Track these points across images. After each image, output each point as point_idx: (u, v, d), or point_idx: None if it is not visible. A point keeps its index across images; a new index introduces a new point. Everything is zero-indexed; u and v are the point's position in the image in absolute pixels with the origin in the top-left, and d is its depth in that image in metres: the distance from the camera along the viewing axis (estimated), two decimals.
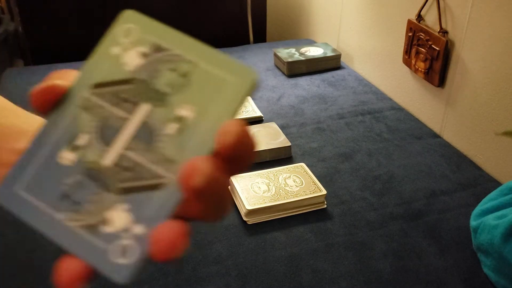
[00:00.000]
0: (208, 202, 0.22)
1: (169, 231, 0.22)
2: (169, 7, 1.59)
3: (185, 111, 0.24)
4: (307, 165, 0.91)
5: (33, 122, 0.36)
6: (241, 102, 0.24)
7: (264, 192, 0.83)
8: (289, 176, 0.87)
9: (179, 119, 0.24)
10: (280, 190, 0.83)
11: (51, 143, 0.25)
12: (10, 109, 0.36)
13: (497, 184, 0.90)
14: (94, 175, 0.24)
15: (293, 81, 1.32)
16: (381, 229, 0.79)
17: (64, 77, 0.26)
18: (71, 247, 0.23)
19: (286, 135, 1.02)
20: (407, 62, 1.14)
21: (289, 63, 1.34)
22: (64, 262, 0.23)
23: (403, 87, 1.21)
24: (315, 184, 0.85)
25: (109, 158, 0.24)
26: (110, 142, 0.24)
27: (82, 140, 0.25)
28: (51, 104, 0.26)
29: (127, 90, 0.25)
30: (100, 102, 0.25)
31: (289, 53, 1.38)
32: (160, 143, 0.24)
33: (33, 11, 1.46)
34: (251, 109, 1.13)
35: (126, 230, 0.23)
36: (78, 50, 1.54)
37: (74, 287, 0.23)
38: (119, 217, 0.23)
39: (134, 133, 0.24)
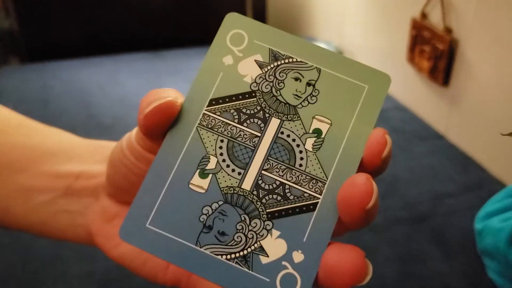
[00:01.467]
0: (366, 219, 0.21)
1: (348, 258, 0.20)
2: (167, 3, 1.58)
3: (319, 124, 0.22)
4: None
5: (58, 138, 0.32)
6: (379, 110, 0.22)
7: None
8: None
9: (315, 133, 0.22)
10: None
11: (176, 170, 0.22)
12: (28, 126, 0.33)
13: (502, 186, 0.89)
14: (236, 202, 0.22)
15: None
16: (385, 233, 0.78)
17: (171, 94, 0.23)
18: (230, 284, 0.21)
19: None
20: (410, 60, 1.13)
21: None
22: None
23: (406, 86, 1.19)
24: None
25: (248, 181, 0.22)
26: (245, 163, 0.22)
27: (212, 163, 0.23)
28: (167, 125, 0.22)
29: (251, 104, 0.23)
30: (225, 119, 0.23)
31: None
32: (300, 160, 0.22)
33: (29, 8, 1.44)
34: None
35: (285, 259, 0.21)
36: (75, 47, 1.52)
37: None
38: (274, 245, 0.21)
39: (269, 152, 0.22)
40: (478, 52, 0.94)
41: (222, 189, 0.22)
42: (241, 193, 0.22)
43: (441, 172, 0.93)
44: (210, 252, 0.21)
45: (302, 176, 0.22)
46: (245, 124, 0.23)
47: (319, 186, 0.22)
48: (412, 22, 1.10)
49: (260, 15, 1.72)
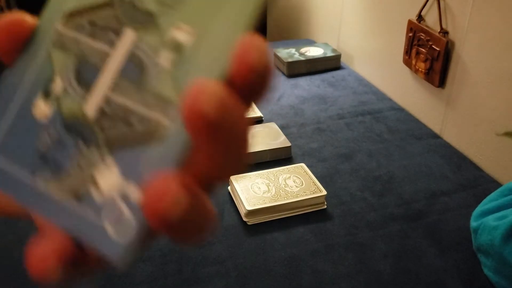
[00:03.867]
0: (221, 142, 0.17)
1: (162, 181, 0.16)
2: None
3: (181, 34, 0.18)
4: (307, 166, 0.91)
5: None
6: (256, 10, 0.18)
7: (264, 193, 0.83)
8: (289, 177, 0.87)
9: (175, 46, 0.18)
10: (280, 191, 0.83)
11: (23, 92, 0.20)
12: None
13: (497, 185, 0.90)
14: (76, 128, 0.19)
15: (293, 81, 1.32)
16: (381, 230, 0.79)
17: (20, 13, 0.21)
18: (58, 220, 0.19)
19: (286, 135, 1.02)
20: (407, 62, 1.14)
21: (289, 63, 1.34)
22: (38, 238, 0.19)
23: (403, 88, 1.20)
24: (315, 184, 0.84)
25: (91, 104, 0.19)
26: (91, 83, 0.19)
27: (57, 84, 0.20)
28: (18, 46, 0.20)
29: (106, 16, 0.19)
30: (76, 35, 0.20)
31: (289, 53, 1.38)
32: (153, 79, 0.19)
33: (33, 11, 1.45)
34: (250, 109, 1.13)
35: (118, 193, 0.18)
36: None
37: (48, 266, 0.18)
38: (109, 178, 0.18)
39: (119, 70, 0.19)
40: (473, 54, 0.96)
41: (63, 114, 0.19)
42: (82, 118, 0.19)
43: (436, 171, 0.94)
44: (44, 184, 0.19)
45: (153, 98, 0.18)
46: (96, 38, 0.19)
47: (171, 110, 0.18)
48: (409, 24, 1.11)
49: (260, 19, 1.73)
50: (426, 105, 1.12)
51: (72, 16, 0.20)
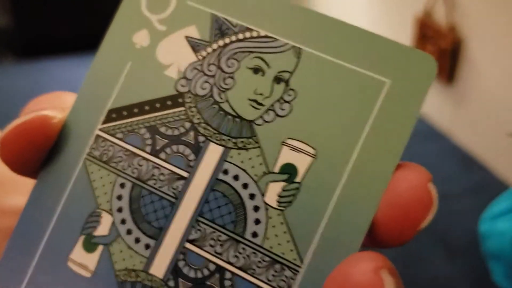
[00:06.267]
0: None
1: None
2: None
3: (294, 155, 0.12)
4: None
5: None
6: (412, 127, 0.13)
7: None
8: None
9: (285, 173, 0.12)
10: None
11: (50, 235, 0.14)
12: None
13: (507, 187, 0.88)
14: None
15: None
16: None
17: (55, 102, 0.15)
18: None
19: None
20: None
21: None
22: None
23: None
24: None
25: (161, 262, 0.13)
26: (159, 228, 0.13)
27: (105, 225, 0.14)
28: (38, 157, 0.14)
29: (175, 118, 0.13)
30: (129, 147, 0.13)
31: None
32: (256, 225, 0.13)
33: (26, 2, 1.44)
34: None
35: None
36: (75, 44, 1.52)
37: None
38: None
39: (200, 208, 0.13)
40: (483, 50, 0.94)
41: (117, 273, 0.13)
42: (148, 283, 0.13)
43: (445, 173, 0.92)
44: None
45: (256, 256, 0.12)
46: (162, 155, 0.13)
47: (287, 277, 0.12)
48: (415, 20, 1.09)
49: None
50: (434, 104, 1.10)
51: (119, 116, 0.13)
